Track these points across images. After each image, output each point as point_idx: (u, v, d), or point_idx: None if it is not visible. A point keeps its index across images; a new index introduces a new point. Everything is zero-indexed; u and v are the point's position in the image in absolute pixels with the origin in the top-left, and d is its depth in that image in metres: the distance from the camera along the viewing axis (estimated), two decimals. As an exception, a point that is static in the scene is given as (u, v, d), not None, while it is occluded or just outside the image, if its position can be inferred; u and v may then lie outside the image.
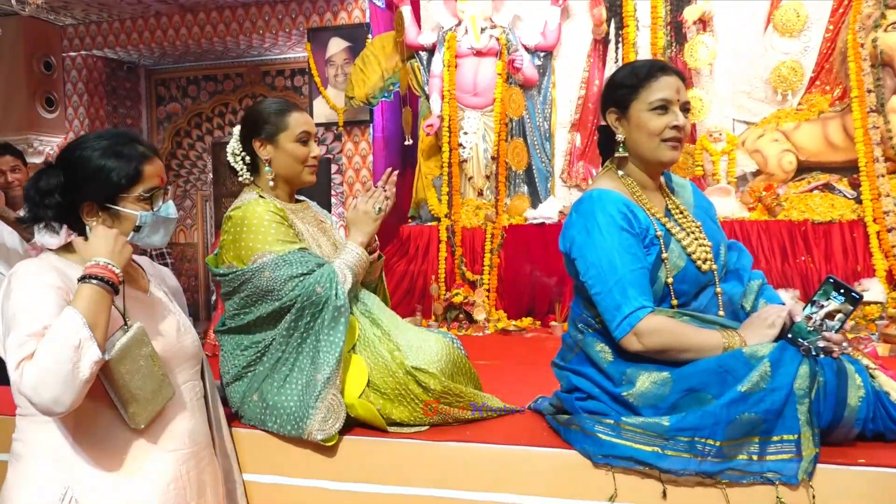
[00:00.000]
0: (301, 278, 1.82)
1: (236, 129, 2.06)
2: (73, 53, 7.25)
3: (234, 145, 2.04)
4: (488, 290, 4.79)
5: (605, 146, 1.82)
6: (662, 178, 1.82)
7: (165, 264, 3.29)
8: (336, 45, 6.33)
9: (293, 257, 1.85)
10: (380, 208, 1.99)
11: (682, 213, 1.76)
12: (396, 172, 2.11)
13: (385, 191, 2.04)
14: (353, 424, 1.86)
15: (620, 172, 1.77)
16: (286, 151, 1.99)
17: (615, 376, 1.66)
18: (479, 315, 4.51)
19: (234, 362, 1.93)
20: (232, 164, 2.05)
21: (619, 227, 1.62)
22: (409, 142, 5.70)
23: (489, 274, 4.85)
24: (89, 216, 1.51)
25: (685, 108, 1.70)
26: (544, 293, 4.64)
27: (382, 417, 1.83)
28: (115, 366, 1.39)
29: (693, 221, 1.75)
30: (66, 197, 1.50)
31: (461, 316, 4.57)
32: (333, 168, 7.13)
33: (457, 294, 4.61)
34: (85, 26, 7.12)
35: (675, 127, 1.66)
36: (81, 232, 1.54)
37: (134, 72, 7.97)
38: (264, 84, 7.75)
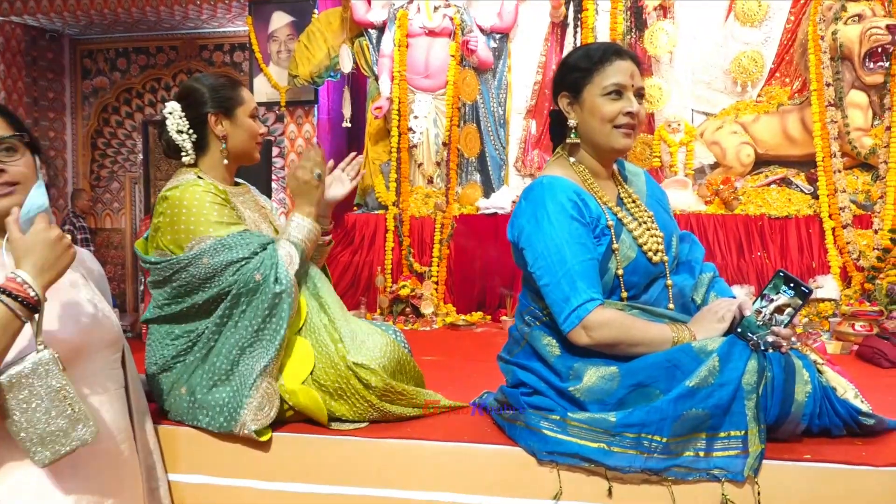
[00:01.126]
0: (242, 263, 1.81)
1: (173, 105, 1.98)
2: (-12, 19, 6.99)
3: (177, 122, 1.97)
4: (437, 283, 4.81)
5: (557, 132, 1.84)
6: (615, 166, 1.86)
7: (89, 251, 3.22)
8: (279, 20, 6.25)
9: (234, 240, 1.83)
10: (318, 173, 1.96)
11: (634, 202, 1.80)
12: (361, 157, 2.11)
13: (321, 150, 2.03)
14: (289, 420, 1.86)
15: (572, 159, 1.79)
16: (244, 127, 2.00)
17: (562, 371, 1.69)
18: (427, 309, 4.53)
19: (162, 353, 1.90)
20: (178, 143, 1.98)
21: (570, 216, 1.64)
22: (347, 124, 5.67)
23: (438, 266, 4.86)
24: None
25: (640, 93, 1.73)
26: (495, 287, 4.68)
27: (329, 414, 1.84)
28: (4, 393, 1.32)
29: (645, 211, 1.79)
30: None
31: (408, 310, 4.58)
32: (275, 151, 7.04)
33: (404, 286, 4.62)
34: (2, -11, 6.86)
35: (629, 113, 1.70)
36: None
37: (57, 41, 7.72)
38: (201, 59, 7.60)
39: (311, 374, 1.85)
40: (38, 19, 7.07)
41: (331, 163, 2.17)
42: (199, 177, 1.95)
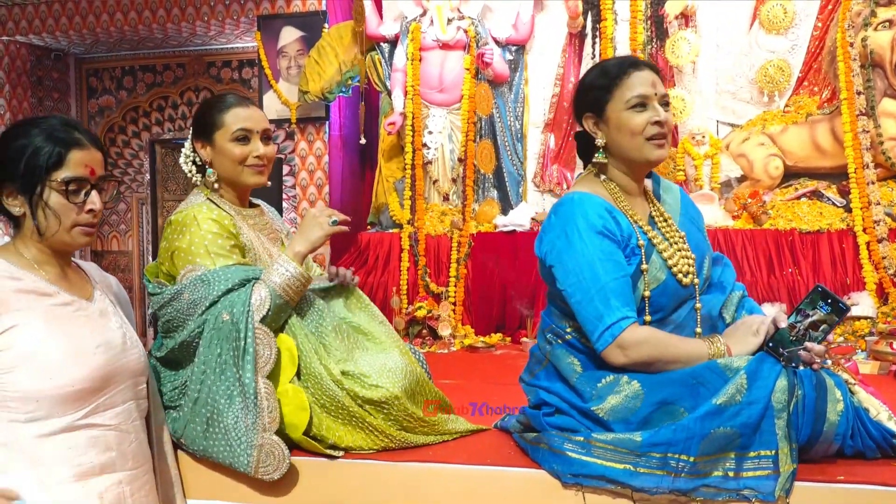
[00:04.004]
0: (214, 300, 1.81)
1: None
2: (-8, 39, 7.16)
3: (186, 146, 2.08)
4: (454, 304, 4.83)
5: (585, 152, 1.89)
6: (649, 183, 1.89)
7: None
8: (289, 35, 6.35)
9: (214, 276, 1.84)
10: (335, 220, 1.96)
11: (666, 221, 1.83)
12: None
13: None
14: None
15: (602, 177, 1.83)
16: (222, 152, 2.01)
17: (584, 390, 1.72)
18: (445, 330, 4.55)
19: (164, 394, 1.93)
20: (183, 166, 2.09)
21: (601, 233, 1.68)
22: (363, 140, 5.74)
23: (455, 286, 4.89)
24: (9, 199, 1.54)
25: (664, 102, 1.76)
26: (515, 307, 4.70)
27: (341, 448, 1.86)
28: None
29: (677, 231, 1.82)
30: None
31: (425, 332, 4.61)
32: (285, 169, 7.13)
33: (420, 308, 4.65)
34: (7, 8, 7.03)
35: (658, 122, 1.73)
36: (10, 217, 1.57)
37: (62, 60, 7.88)
38: (209, 76, 7.73)
39: (325, 413, 1.86)
40: (43, 38, 7.23)
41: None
42: (209, 198, 2.01)
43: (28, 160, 1.51)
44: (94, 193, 1.57)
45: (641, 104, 1.73)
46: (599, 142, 1.79)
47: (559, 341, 1.79)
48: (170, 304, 1.88)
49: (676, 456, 1.55)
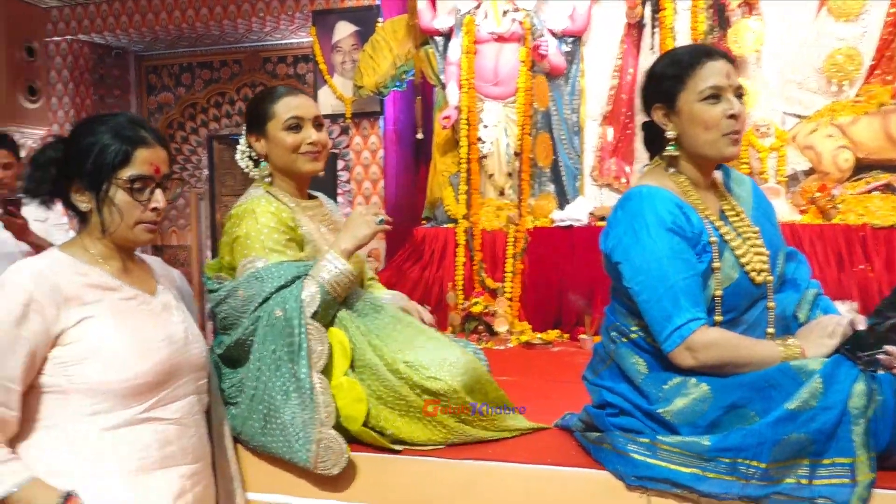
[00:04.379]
0: (267, 297, 1.83)
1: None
2: (57, 38, 7.37)
3: (241, 142, 2.11)
4: (510, 300, 4.82)
5: (652, 143, 1.85)
6: (719, 175, 1.84)
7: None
8: (343, 30, 6.40)
9: (268, 272, 1.86)
10: (381, 219, 1.97)
11: (738, 215, 1.78)
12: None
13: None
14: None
15: (671, 170, 1.79)
16: (276, 142, 2.04)
17: (650, 392, 1.69)
18: (501, 327, 4.53)
19: (223, 391, 1.95)
20: (240, 161, 2.12)
21: (670, 229, 1.64)
22: (419, 135, 5.74)
23: (512, 281, 4.87)
24: (77, 195, 1.58)
25: (739, 93, 1.71)
26: (573, 303, 4.65)
27: (399, 440, 1.87)
28: None
29: (750, 226, 1.77)
30: (62, 172, 1.57)
31: (481, 328, 4.60)
32: (340, 164, 7.19)
33: (476, 303, 4.64)
34: (70, 9, 7.24)
35: (733, 115, 1.68)
36: (77, 212, 1.61)
37: (123, 58, 8.08)
38: (264, 71, 7.83)
39: (382, 404, 1.87)
40: (104, 37, 7.43)
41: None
42: (268, 191, 2.03)
43: (96, 158, 1.54)
44: (158, 192, 1.60)
45: (715, 95, 1.68)
46: (670, 134, 1.75)
47: (624, 340, 1.75)
48: (225, 301, 1.91)
49: (747, 462, 1.50)
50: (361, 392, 1.84)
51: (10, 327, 1.44)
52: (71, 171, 1.57)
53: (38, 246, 3.26)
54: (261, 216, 1.94)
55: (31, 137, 7.13)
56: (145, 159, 1.58)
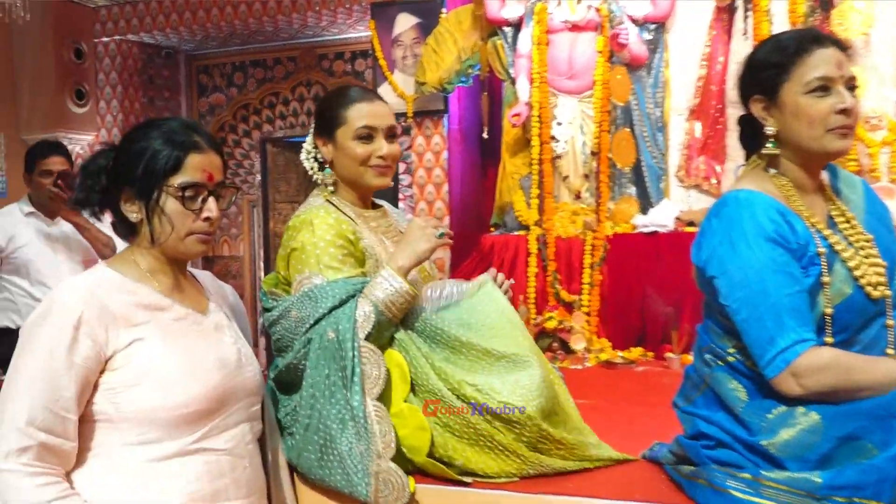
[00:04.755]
0: (320, 318, 1.83)
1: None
2: (105, 39, 7.62)
3: (308, 142, 2.13)
4: (588, 314, 4.77)
5: (750, 140, 1.80)
6: (825, 175, 1.78)
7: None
8: (404, 22, 6.45)
9: (322, 291, 1.86)
10: (441, 232, 1.95)
11: (848, 222, 1.71)
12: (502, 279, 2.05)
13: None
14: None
15: (771, 171, 1.73)
16: (344, 150, 2.04)
17: (751, 422, 1.64)
18: (578, 344, 4.49)
19: (279, 420, 1.96)
20: (304, 164, 2.14)
21: (772, 240, 1.59)
22: (486, 134, 5.73)
23: (589, 294, 4.82)
24: (127, 204, 1.61)
25: (851, 85, 1.65)
26: (658, 317, 4.59)
27: (469, 471, 1.85)
28: None
29: (862, 233, 1.70)
30: (112, 180, 1.62)
31: (555, 345, 4.57)
32: (401, 167, 7.23)
33: (550, 318, 4.61)
34: (119, 7, 7.48)
35: (844, 110, 1.63)
36: (127, 224, 1.65)
37: (173, 58, 8.32)
38: (320, 69, 7.95)
39: (447, 431, 1.86)
40: (154, 36, 7.66)
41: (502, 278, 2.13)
42: (329, 200, 2.05)
43: (146, 164, 1.57)
44: (210, 200, 1.61)
45: (824, 87, 1.63)
46: (769, 130, 1.70)
47: (720, 363, 1.70)
48: (279, 321, 1.92)
49: (865, 501, 1.44)
50: (423, 419, 1.83)
51: (62, 353, 1.46)
52: (121, 179, 1.61)
53: (91, 235, 3.51)
54: (318, 228, 1.95)
55: (78, 143, 7.39)
56: (198, 165, 1.60)
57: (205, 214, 1.61)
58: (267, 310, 1.98)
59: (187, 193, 1.58)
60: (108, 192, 1.63)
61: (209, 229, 1.63)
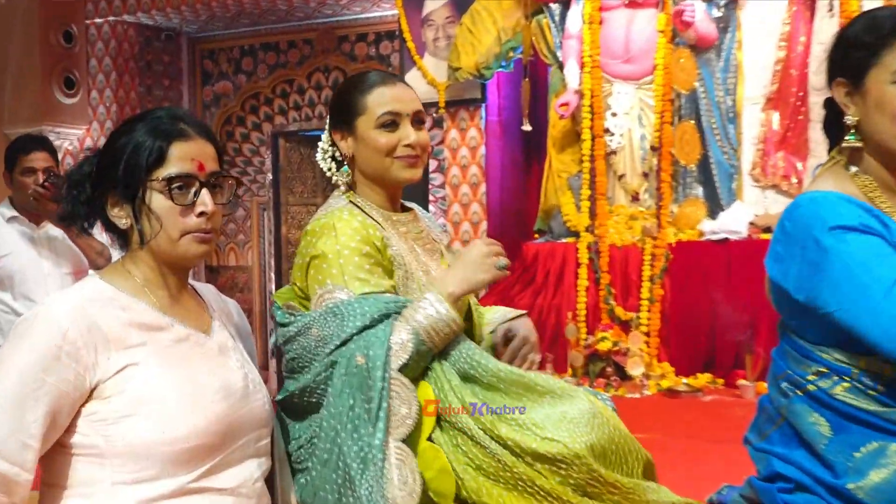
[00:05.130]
0: (347, 339, 1.81)
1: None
2: (98, 20, 7.73)
3: (323, 139, 2.14)
4: (647, 334, 4.76)
5: (833, 129, 1.78)
6: None
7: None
8: (436, 0, 6.47)
9: (350, 308, 1.84)
10: (502, 263, 1.90)
11: None
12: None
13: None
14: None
15: (853, 168, 1.72)
16: (366, 142, 2.02)
17: (836, 461, 1.62)
18: (636, 369, 4.48)
19: (289, 454, 1.96)
20: (321, 165, 2.15)
21: (860, 231, 1.56)
22: (527, 127, 5.73)
23: (649, 311, 4.81)
24: (114, 209, 1.62)
25: None
26: (729, 339, 4.56)
27: None
28: None
29: None
30: (96, 186, 1.63)
31: (609, 370, 4.56)
32: (432, 164, 7.23)
33: (603, 339, 4.60)
34: (114, -16, 7.59)
35: None
36: (118, 232, 1.65)
37: (174, 41, 8.40)
38: (340, 53, 7.97)
39: (484, 476, 1.84)
40: (152, 17, 7.74)
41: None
42: (353, 202, 2.05)
43: (128, 160, 1.57)
44: (204, 192, 1.60)
45: None
46: (849, 119, 1.68)
47: (798, 393, 1.68)
48: (296, 338, 1.91)
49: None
50: (446, 461, 1.82)
51: (37, 372, 1.46)
52: (105, 182, 1.61)
53: (84, 242, 3.58)
54: (342, 233, 1.94)
55: (67, 138, 7.48)
56: (184, 155, 1.59)
57: (198, 209, 1.59)
58: (282, 325, 1.98)
59: (175, 186, 1.57)
60: (93, 200, 1.64)
61: (206, 226, 1.61)
